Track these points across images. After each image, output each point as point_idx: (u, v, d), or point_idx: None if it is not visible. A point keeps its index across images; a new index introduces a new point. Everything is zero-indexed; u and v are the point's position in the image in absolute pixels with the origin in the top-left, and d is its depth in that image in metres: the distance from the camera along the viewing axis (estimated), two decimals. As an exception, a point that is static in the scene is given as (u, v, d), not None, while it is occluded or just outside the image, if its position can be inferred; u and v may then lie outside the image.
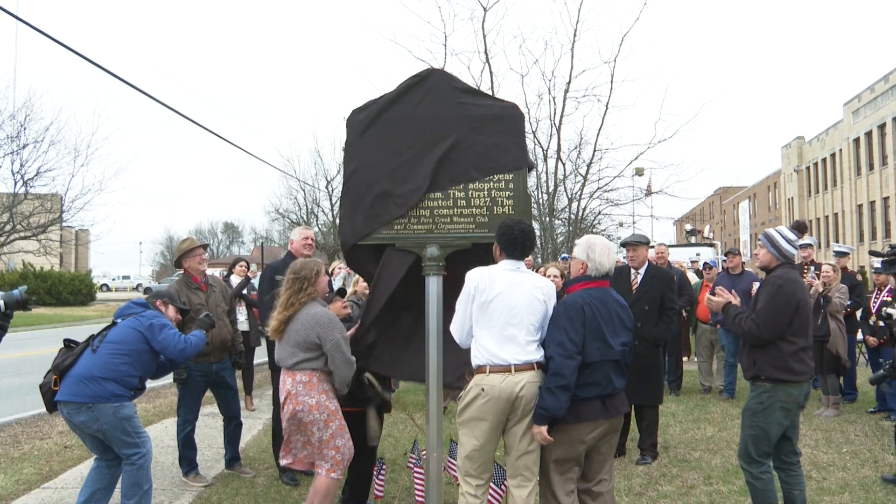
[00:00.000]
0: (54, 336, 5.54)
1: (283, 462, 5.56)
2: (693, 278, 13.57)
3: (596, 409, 4.67)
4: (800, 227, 10.57)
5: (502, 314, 4.72)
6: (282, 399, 5.42)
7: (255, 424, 9.73)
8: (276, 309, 5.47)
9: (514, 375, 4.67)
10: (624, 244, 8.07)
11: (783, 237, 5.54)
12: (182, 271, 7.29)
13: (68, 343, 5.79)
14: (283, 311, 5.40)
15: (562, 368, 4.53)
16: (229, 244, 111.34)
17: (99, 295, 51.83)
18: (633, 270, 7.80)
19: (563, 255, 17.25)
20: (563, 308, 4.73)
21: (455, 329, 4.93)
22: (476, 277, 4.81)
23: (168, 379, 7.45)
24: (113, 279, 78.90)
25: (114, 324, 5.75)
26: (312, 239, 7.19)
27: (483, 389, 4.69)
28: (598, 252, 4.87)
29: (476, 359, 4.78)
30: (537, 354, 4.73)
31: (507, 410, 4.70)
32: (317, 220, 49.80)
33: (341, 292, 6.29)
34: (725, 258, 11.48)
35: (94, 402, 5.35)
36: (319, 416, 5.30)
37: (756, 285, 5.98)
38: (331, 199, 47.01)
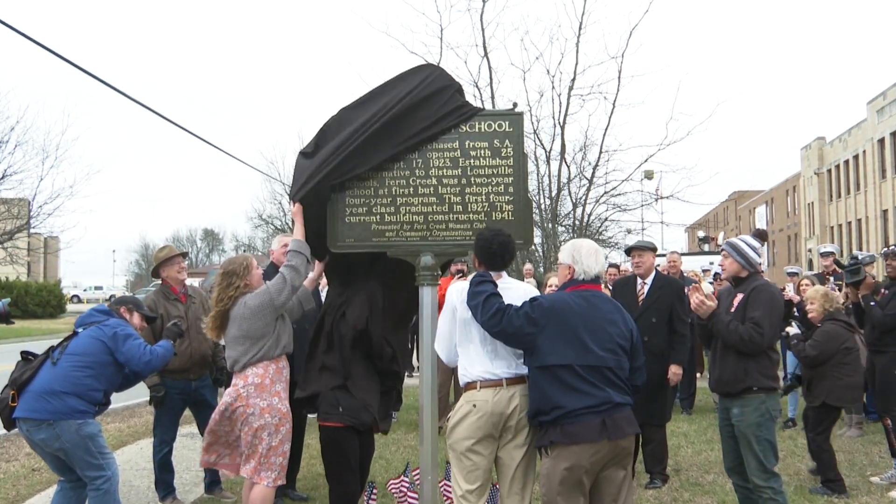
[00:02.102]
0: (18, 351, 5.52)
1: (205, 460, 5.68)
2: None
3: (593, 428, 4.46)
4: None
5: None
6: (228, 400, 5.47)
7: None
8: (211, 308, 5.63)
9: (506, 389, 4.73)
10: (628, 250, 8.06)
11: (749, 245, 5.80)
12: (160, 281, 7.29)
13: (26, 356, 5.76)
14: (215, 308, 5.55)
15: (507, 311, 4.59)
16: (209, 252, 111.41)
17: (69, 307, 51.63)
18: (639, 280, 7.73)
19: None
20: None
21: (441, 348, 5.01)
22: (457, 293, 4.87)
23: (144, 396, 7.45)
24: (84, 290, 78.62)
25: (74, 333, 5.73)
26: None
27: (475, 406, 4.72)
28: (584, 254, 4.83)
29: (465, 376, 4.83)
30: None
31: (501, 426, 4.73)
32: (303, 227, 49.80)
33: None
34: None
35: (56, 418, 5.34)
36: (271, 420, 5.39)
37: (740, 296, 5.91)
38: (318, 204, 47.00)
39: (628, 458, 4.76)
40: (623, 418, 4.59)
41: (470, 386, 4.80)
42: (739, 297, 5.76)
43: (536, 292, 5.01)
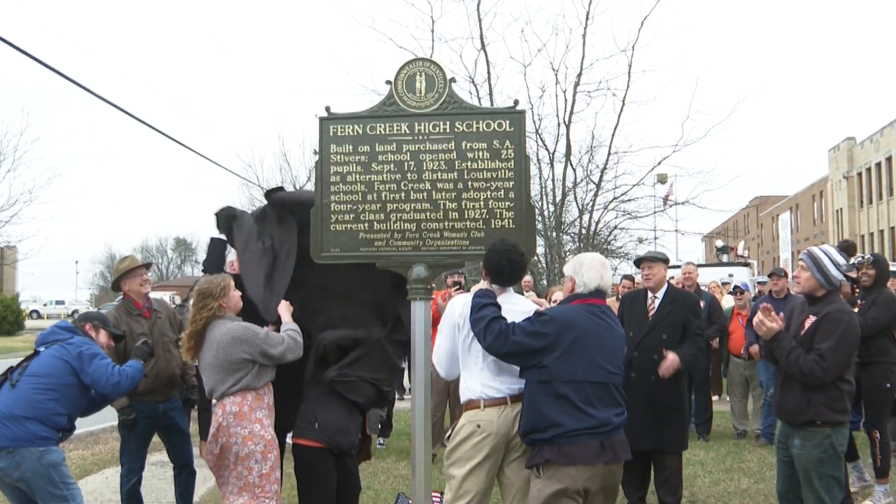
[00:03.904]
0: (-26, 371, 5.54)
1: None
2: (729, 301, 13.52)
3: (592, 450, 4.65)
4: (848, 249, 10.62)
5: None
6: (211, 434, 5.51)
7: (211, 474, 9.66)
8: (187, 330, 5.67)
9: (510, 407, 4.89)
10: (637, 262, 8.06)
11: (831, 260, 5.61)
12: (121, 295, 7.27)
13: None
14: (190, 328, 5.60)
15: (508, 331, 4.71)
16: (181, 263, 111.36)
17: (28, 323, 51.54)
18: (649, 294, 7.72)
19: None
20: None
21: (441, 361, 5.16)
22: (459, 307, 4.97)
23: (110, 420, 7.43)
24: (45, 304, 78.43)
25: (36, 353, 5.72)
26: None
27: (479, 426, 4.82)
28: (585, 267, 5.02)
29: (466, 393, 4.93)
30: None
31: (505, 447, 4.80)
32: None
33: None
34: (764, 281, 11.42)
35: (16, 445, 5.33)
36: (255, 448, 5.43)
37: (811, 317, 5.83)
38: (301, 211, 46.96)
39: (615, 490, 4.97)
40: (619, 442, 4.79)
41: (472, 404, 4.94)
42: (811, 319, 5.64)
43: (536, 310, 5.14)
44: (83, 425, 11.76)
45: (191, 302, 5.73)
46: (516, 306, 5.11)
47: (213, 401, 5.62)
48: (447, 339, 5.15)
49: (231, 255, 7.27)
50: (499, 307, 4.89)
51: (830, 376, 5.40)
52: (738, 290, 12.29)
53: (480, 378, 4.93)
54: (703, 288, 13.06)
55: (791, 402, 5.57)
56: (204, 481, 8.95)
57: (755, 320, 5.79)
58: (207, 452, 5.59)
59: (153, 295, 7.37)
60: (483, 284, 5.19)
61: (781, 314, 5.90)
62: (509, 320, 4.85)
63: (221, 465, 5.55)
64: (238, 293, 5.80)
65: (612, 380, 4.77)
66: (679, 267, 13.28)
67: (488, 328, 4.73)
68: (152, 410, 6.99)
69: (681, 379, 7.34)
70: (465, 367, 5.04)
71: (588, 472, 4.63)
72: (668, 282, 7.83)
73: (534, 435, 4.70)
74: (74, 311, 71.40)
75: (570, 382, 4.63)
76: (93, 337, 5.91)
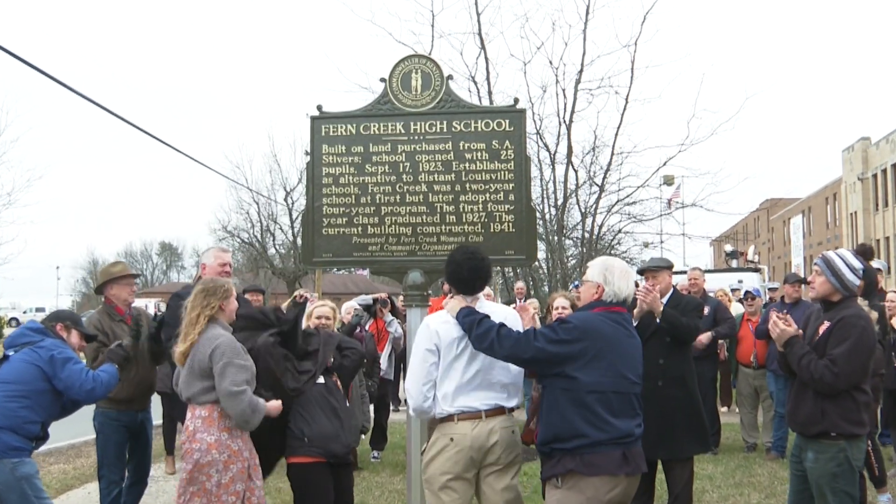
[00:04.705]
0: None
1: None
2: (739, 309, 13.49)
3: (615, 460, 4.67)
4: (865, 253, 10.61)
5: (472, 357, 4.95)
6: (183, 438, 5.54)
7: (163, 489, 9.61)
8: (182, 331, 5.59)
9: (485, 422, 4.91)
10: (641, 271, 8.01)
11: (847, 265, 5.59)
12: (103, 299, 7.31)
13: None
14: (192, 329, 5.53)
15: (530, 337, 4.72)
16: (166, 269, 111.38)
17: (7, 331, 51.42)
18: (654, 299, 7.72)
19: (576, 283, 17.23)
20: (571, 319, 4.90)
21: (415, 389, 5.06)
22: (442, 329, 4.96)
23: (93, 434, 7.41)
24: (24, 312, 78.23)
25: (5, 357, 5.68)
26: (230, 265, 7.11)
27: (452, 439, 4.87)
28: (616, 275, 4.99)
29: (441, 407, 4.91)
30: (510, 401, 5.05)
31: (480, 462, 4.83)
32: (273, 240, 49.85)
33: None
34: (775, 287, 11.37)
35: None
36: (219, 457, 5.40)
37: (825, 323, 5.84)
38: (290, 214, 47.04)
39: (628, 501, 4.91)
40: (639, 453, 4.84)
41: (446, 419, 4.95)
42: (826, 325, 5.61)
43: (514, 315, 5.22)
44: (64, 438, 11.79)
45: (188, 301, 5.68)
46: (493, 314, 5.06)
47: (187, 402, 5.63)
48: (420, 364, 5.04)
49: (210, 257, 7.23)
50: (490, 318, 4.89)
51: (843, 383, 5.35)
52: (749, 296, 12.26)
53: (455, 394, 4.94)
54: (710, 294, 13.04)
55: (804, 411, 5.54)
56: (156, 496, 8.93)
57: (770, 323, 5.77)
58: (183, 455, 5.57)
59: (138, 303, 7.38)
60: (460, 301, 5.08)
61: (786, 315, 5.91)
62: None
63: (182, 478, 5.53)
64: (236, 304, 5.81)
65: (633, 389, 4.81)
66: (685, 273, 13.27)
67: (501, 337, 4.73)
68: (131, 420, 7.06)
69: (688, 383, 7.32)
70: (440, 387, 5.01)
71: (611, 483, 4.64)
72: (673, 287, 7.86)
73: (555, 444, 4.71)
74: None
75: (595, 392, 4.65)
76: (64, 338, 5.86)
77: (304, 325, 7.20)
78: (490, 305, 5.25)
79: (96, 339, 6.47)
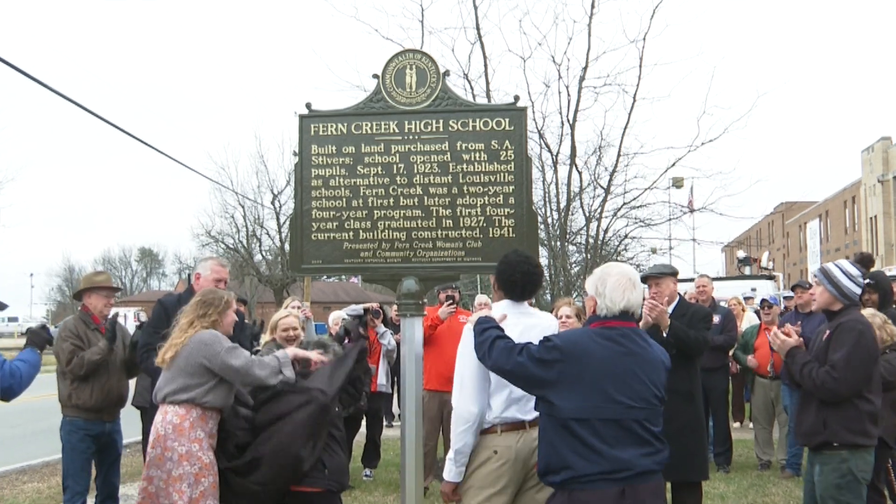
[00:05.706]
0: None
1: None
2: (752, 319, 13.50)
3: (607, 498, 4.31)
4: (864, 261, 10.62)
5: None
6: (150, 440, 5.55)
7: None
8: (173, 335, 5.66)
9: (529, 432, 4.91)
10: (644, 279, 7.94)
11: (844, 273, 5.79)
12: (80, 306, 7.46)
13: None
14: (183, 333, 5.59)
15: (515, 349, 4.58)
16: (147, 276, 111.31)
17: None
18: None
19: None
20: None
21: (470, 403, 4.93)
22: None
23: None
24: (-5, 321, 78.29)
25: None
26: (226, 282, 7.18)
27: (496, 452, 4.86)
28: (609, 286, 4.62)
29: (484, 420, 4.90)
30: None
31: (523, 475, 4.80)
32: (260, 245, 49.76)
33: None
34: (790, 296, 11.36)
35: None
36: (190, 469, 5.43)
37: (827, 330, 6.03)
38: (278, 218, 46.97)
39: None
40: (647, 490, 4.45)
41: (490, 429, 4.93)
42: (827, 333, 5.81)
43: (555, 325, 5.22)
44: (38, 455, 11.77)
45: (183, 311, 5.71)
46: (534, 319, 5.12)
47: (158, 402, 5.66)
48: (478, 375, 4.91)
49: (205, 268, 7.25)
50: (502, 330, 4.79)
51: (844, 389, 5.49)
52: (765, 305, 12.26)
53: (497, 403, 4.92)
54: (721, 303, 13.06)
55: (807, 422, 5.68)
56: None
57: (770, 335, 5.99)
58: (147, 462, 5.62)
59: (115, 310, 7.53)
60: (483, 299, 5.15)
61: (796, 327, 6.07)
62: (530, 338, 4.69)
63: (154, 477, 5.53)
64: (234, 317, 5.84)
65: (629, 415, 4.40)
66: (693, 280, 13.28)
67: (493, 346, 4.61)
68: (99, 430, 7.20)
69: (695, 400, 7.30)
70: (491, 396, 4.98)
71: None
72: (679, 295, 7.85)
73: (548, 477, 4.50)
74: (28, 329, 71.01)
75: (577, 420, 4.36)
76: None
77: (267, 337, 7.21)
78: (536, 312, 5.28)
79: (34, 332, 6.38)
